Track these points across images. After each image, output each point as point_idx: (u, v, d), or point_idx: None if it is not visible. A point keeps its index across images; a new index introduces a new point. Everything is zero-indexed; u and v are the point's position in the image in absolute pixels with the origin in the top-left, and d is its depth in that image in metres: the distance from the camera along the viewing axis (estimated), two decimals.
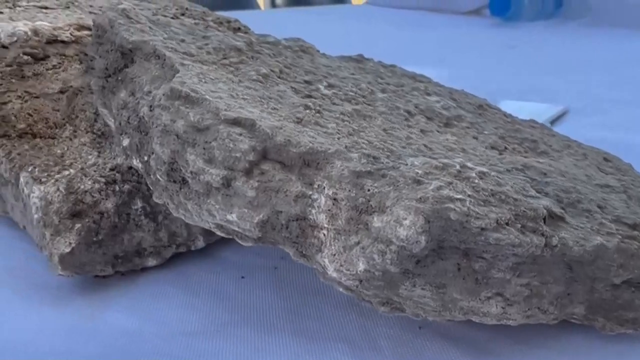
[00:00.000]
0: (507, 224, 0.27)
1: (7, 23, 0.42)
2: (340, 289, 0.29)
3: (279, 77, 0.38)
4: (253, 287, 0.37)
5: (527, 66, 1.02)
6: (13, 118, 0.40)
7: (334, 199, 0.28)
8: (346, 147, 0.30)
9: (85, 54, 0.42)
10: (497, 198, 0.28)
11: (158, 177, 0.32)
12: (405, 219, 0.26)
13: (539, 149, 0.40)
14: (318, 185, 0.29)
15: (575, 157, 0.40)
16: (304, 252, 0.29)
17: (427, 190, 0.27)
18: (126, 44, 0.37)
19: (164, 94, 0.32)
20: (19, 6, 0.52)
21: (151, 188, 0.34)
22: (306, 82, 0.39)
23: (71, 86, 0.42)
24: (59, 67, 0.41)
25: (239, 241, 0.31)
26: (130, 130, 0.34)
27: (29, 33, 0.40)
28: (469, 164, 0.30)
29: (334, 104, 0.37)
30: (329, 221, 0.28)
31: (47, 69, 0.41)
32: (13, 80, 0.40)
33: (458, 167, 0.29)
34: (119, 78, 0.37)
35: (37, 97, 0.41)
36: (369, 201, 0.27)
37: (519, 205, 0.28)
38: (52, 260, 0.35)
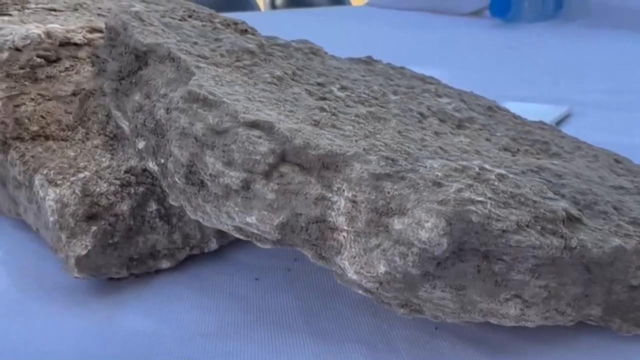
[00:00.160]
0: (527, 226, 0.27)
1: (20, 26, 0.42)
2: (360, 291, 0.29)
3: (292, 80, 0.38)
4: (267, 288, 0.37)
5: (529, 67, 1.02)
6: (26, 120, 0.40)
7: (354, 202, 0.28)
8: (364, 149, 0.30)
9: (97, 57, 0.42)
10: (517, 200, 0.28)
11: (176, 179, 0.32)
12: (427, 221, 0.26)
13: (550, 150, 0.40)
14: (337, 188, 0.29)
15: (586, 158, 0.40)
16: (322, 254, 0.30)
17: (448, 193, 0.27)
18: (140, 47, 0.37)
19: (181, 97, 0.32)
20: (28, 8, 0.52)
21: (166, 191, 0.34)
22: (319, 84, 0.39)
23: (83, 88, 0.42)
24: (72, 70, 0.41)
25: (257, 243, 0.31)
26: (147, 133, 0.34)
27: (42, 36, 0.40)
28: (488, 166, 0.30)
29: (347, 106, 0.37)
30: (348, 223, 0.28)
31: (59, 72, 0.41)
32: (26, 83, 0.40)
33: (477, 169, 0.29)
34: (133, 80, 0.37)
35: (49, 100, 0.41)
36: (388, 203, 0.28)
37: (538, 207, 0.28)
38: (68, 262, 0.35)
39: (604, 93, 0.84)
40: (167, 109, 0.33)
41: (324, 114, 0.34)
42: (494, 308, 0.29)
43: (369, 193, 0.28)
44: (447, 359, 0.31)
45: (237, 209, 0.30)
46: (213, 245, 0.40)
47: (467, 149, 0.35)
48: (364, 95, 0.39)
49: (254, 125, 0.30)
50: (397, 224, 0.27)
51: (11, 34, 0.40)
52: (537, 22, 1.42)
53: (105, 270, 0.36)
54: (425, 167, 0.29)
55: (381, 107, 0.38)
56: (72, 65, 0.41)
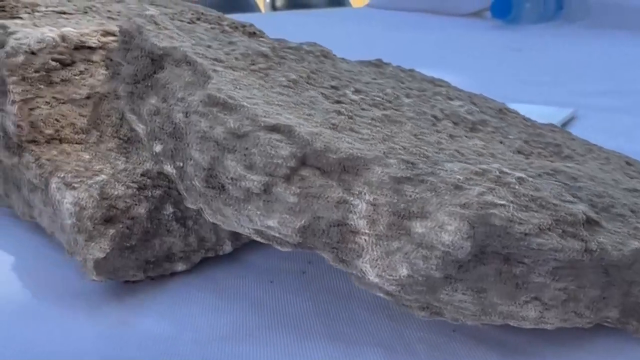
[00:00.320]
0: (548, 229, 0.27)
1: (33, 29, 0.42)
2: (380, 294, 0.30)
3: (307, 83, 0.39)
4: (283, 291, 0.38)
5: (531, 69, 1.02)
6: (41, 124, 0.40)
7: (374, 205, 0.28)
8: (384, 153, 0.30)
9: (111, 60, 0.42)
10: (537, 203, 0.28)
11: (195, 183, 0.32)
12: (450, 224, 0.26)
13: (563, 153, 0.40)
14: (358, 191, 0.29)
15: (599, 161, 0.40)
16: (343, 258, 0.30)
17: (470, 196, 0.27)
18: (156, 50, 0.37)
19: (200, 101, 0.32)
20: (38, 11, 0.52)
21: (184, 194, 0.34)
22: (333, 87, 0.40)
23: (97, 92, 0.42)
24: (86, 73, 0.42)
25: (277, 247, 0.31)
26: (164, 136, 0.34)
27: (57, 39, 0.40)
28: (507, 170, 0.30)
29: (363, 109, 0.37)
30: (369, 227, 0.28)
31: (74, 75, 0.41)
32: (41, 86, 0.40)
33: (497, 172, 0.29)
34: (149, 84, 0.38)
35: (64, 103, 0.41)
36: (410, 207, 0.28)
37: (558, 210, 0.28)
38: (86, 265, 0.35)
39: (606, 95, 0.84)
40: (186, 113, 0.33)
41: (342, 117, 0.34)
42: (514, 310, 0.29)
43: (390, 196, 0.28)
44: None
45: (258, 212, 0.30)
46: (228, 247, 0.40)
47: (482, 152, 0.36)
48: (377, 99, 0.39)
49: (274, 129, 0.30)
50: (418, 227, 0.27)
51: (26, 37, 0.40)
52: (538, 24, 1.43)
53: (122, 273, 0.36)
54: (445, 170, 0.29)
55: (395, 110, 0.38)
56: (86, 69, 0.42)
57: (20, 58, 0.39)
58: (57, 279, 0.39)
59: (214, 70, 0.35)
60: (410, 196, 0.28)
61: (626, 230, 0.30)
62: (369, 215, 0.28)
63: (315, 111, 0.34)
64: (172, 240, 0.37)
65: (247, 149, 0.30)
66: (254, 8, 1.96)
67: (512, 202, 0.27)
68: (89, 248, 0.35)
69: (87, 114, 0.41)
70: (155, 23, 0.40)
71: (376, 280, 0.28)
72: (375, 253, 0.28)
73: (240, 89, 0.34)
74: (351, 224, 0.29)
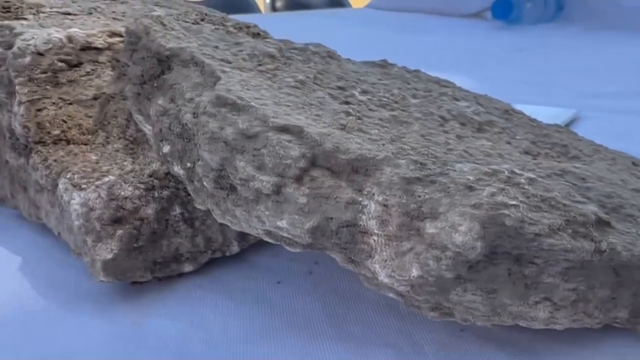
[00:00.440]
0: (559, 229, 0.27)
1: (40, 30, 0.42)
2: (390, 294, 0.30)
3: (314, 84, 0.39)
4: (291, 292, 0.38)
5: (532, 70, 1.02)
6: (48, 125, 0.40)
7: (385, 205, 0.28)
8: (393, 153, 0.30)
9: (118, 61, 0.42)
10: (548, 204, 0.28)
11: (204, 183, 0.32)
12: (461, 225, 0.26)
13: (570, 153, 0.40)
14: (368, 192, 0.29)
15: (606, 161, 0.40)
16: (352, 258, 0.30)
17: (481, 197, 0.27)
18: (163, 51, 0.37)
19: (209, 101, 0.32)
20: (43, 12, 0.52)
21: (192, 195, 0.34)
22: (340, 88, 0.39)
23: (104, 92, 0.42)
24: (92, 74, 0.42)
25: (287, 247, 0.31)
26: (172, 137, 0.34)
27: (64, 40, 0.40)
28: (517, 170, 0.30)
29: (370, 110, 0.37)
30: (379, 227, 0.28)
31: (80, 76, 0.41)
32: (48, 87, 0.40)
33: (507, 173, 0.29)
34: (156, 85, 0.38)
35: (71, 104, 0.41)
36: (420, 207, 0.28)
37: (568, 211, 0.28)
38: (94, 266, 0.35)
39: (609, 96, 0.84)
40: (194, 113, 0.33)
41: (350, 118, 0.34)
42: (524, 311, 0.29)
43: (400, 197, 0.28)
44: None
45: (268, 213, 0.30)
46: (234, 248, 0.40)
47: (490, 153, 0.36)
48: (384, 99, 0.39)
49: (284, 129, 0.30)
50: (430, 227, 0.27)
51: (33, 38, 0.40)
52: (538, 24, 1.43)
53: (130, 274, 0.36)
54: (455, 171, 0.29)
55: (403, 110, 0.38)
56: (92, 70, 0.42)
57: (27, 59, 0.39)
58: (64, 279, 0.39)
59: (222, 71, 0.35)
60: (421, 196, 0.28)
61: (636, 230, 0.30)
62: (379, 216, 0.28)
63: (323, 112, 0.34)
64: (179, 241, 0.37)
65: (257, 149, 0.30)
66: (254, 9, 1.96)
67: (523, 202, 0.27)
68: (97, 249, 0.35)
69: (94, 114, 0.41)
70: (162, 24, 0.40)
71: (387, 280, 0.28)
72: (385, 253, 0.28)
73: (248, 89, 0.34)
74: (361, 225, 0.29)
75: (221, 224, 0.39)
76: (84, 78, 0.41)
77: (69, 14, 0.52)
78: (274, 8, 2.14)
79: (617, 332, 0.33)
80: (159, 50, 0.37)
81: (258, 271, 0.40)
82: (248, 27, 0.56)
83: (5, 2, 0.51)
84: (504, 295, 0.28)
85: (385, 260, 0.28)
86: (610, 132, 0.67)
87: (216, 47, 0.40)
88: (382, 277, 0.29)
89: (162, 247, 0.37)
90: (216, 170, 0.31)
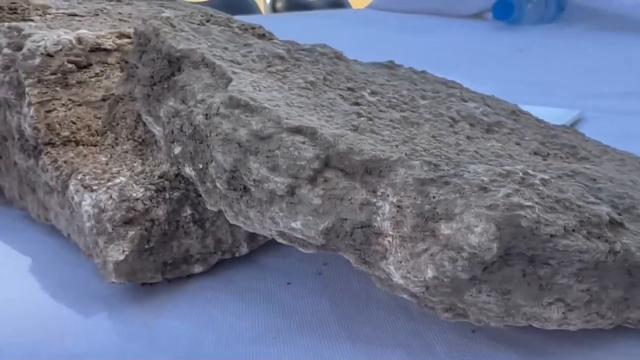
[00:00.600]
0: (573, 230, 0.27)
1: (49, 31, 0.42)
2: (404, 296, 0.30)
3: (324, 85, 0.39)
4: (301, 293, 0.38)
5: (534, 70, 1.03)
6: (57, 126, 0.40)
7: (399, 207, 0.28)
8: (406, 154, 0.30)
9: (126, 62, 0.42)
10: (562, 205, 0.28)
11: (217, 185, 0.32)
12: (477, 226, 0.26)
13: (579, 154, 0.40)
14: (382, 193, 0.29)
15: (614, 162, 0.41)
16: (366, 259, 0.30)
17: (497, 198, 0.27)
18: (173, 52, 0.37)
19: (222, 103, 0.32)
20: (49, 13, 0.52)
21: (204, 196, 0.34)
22: (349, 89, 0.40)
23: (113, 94, 0.42)
24: (102, 75, 0.42)
25: (300, 249, 0.31)
26: (184, 138, 0.34)
27: (74, 41, 0.40)
28: (530, 171, 0.30)
29: (380, 111, 0.37)
30: (393, 228, 0.28)
31: (90, 77, 0.41)
32: (57, 89, 0.40)
33: (521, 174, 0.29)
34: (166, 86, 0.38)
35: (80, 105, 0.41)
36: (435, 208, 0.28)
37: (582, 211, 0.28)
38: (106, 267, 0.35)
39: (609, 96, 0.84)
40: (207, 115, 0.33)
41: (362, 119, 0.34)
42: (538, 312, 0.29)
43: (414, 198, 0.28)
44: None
45: (281, 214, 0.30)
46: (244, 249, 0.40)
47: (500, 154, 0.36)
48: (394, 100, 0.39)
49: (297, 130, 0.30)
50: (444, 228, 0.27)
51: (43, 39, 0.40)
52: (539, 25, 1.43)
53: (141, 275, 0.36)
54: (469, 172, 0.29)
55: (412, 111, 0.39)
56: (102, 71, 0.42)
57: (37, 60, 0.40)
58: (74, 280, 0.39)
59: (233, 72, 0.35)
60: (435, 198, 0.28)
61: None
62: (393, 217, 0.28)
63: (335, 113, 0.34)
64: (189, 242, 0.37)
65: (270, 150, 0.30)
66: (254, 10, 1.96)
67: (538, 203, 0.27)
68: (108, 250, 0.35)
69: (103, 116, 0.42)
70: (172, 25, 0.40)
71: (401, 281, 0.28)
72: (400, 255, 0.28)
73: (260, 90, 0.34)
74: (375, 226, 0.29)
75: (231, 225, 0.39)
76: (93, 79, 0.41)
77: (76, 15, 0.52)
78: (274, 9, 2.14)
79: (629, 332, 0.33)
80: (169, 52, 0.37)
81: (267, 272, 0.40)
82: (253, 28, 0.56)
83: (12, 3, 0.51)
84: (518, 296, 0.28)
85: (400, 262, 0.28)
86: (613, 133, 0.67)
87: (225, 48, 0.40)
88: (397, 279, 0.29)
89: (173, 248, 0.37)
90: (229, 171, 0.31)
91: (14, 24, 0.45)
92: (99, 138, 0.41)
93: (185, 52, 0.37)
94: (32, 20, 0.50)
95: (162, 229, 0.36)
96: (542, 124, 0.46)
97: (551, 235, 0.27)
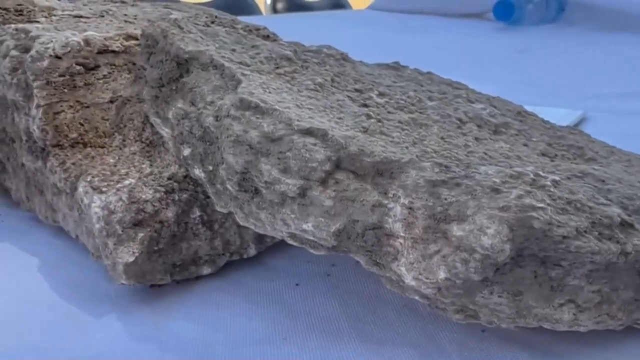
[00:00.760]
0: (585, 232, 0.27)
1: (56, 33, 0.42)
2: (415, 297, 0.30)
3: (332, 86, 0.39)
4: (310, 294, 0.38)
5: (535, 70, 1.03)
6: (65, 128, 0.40)
7: (410, 208, 0.29)
8: (417, 156, 0.30)
9: (134, 64, 0.42)
10: (573, 206, 0.28)
11: (228, 186, 0.32)
12: (489, 227, 0.26)
13: (586, 155, 0.40)
14: (393, 195, 0.29)
15: (621, 163, 0.41)
16: (377, 261, 0.30)
17: (509, 199, 0.27)
18: (182, 54, 0.37)
19: (232, 104, 0.32)
20: (55, 15, 0.52)
21: (213, 197, 0.34)
22: (357, 90, 0.40)
23: (120, 95, 0.42)
24: (109, 77, 0.42)
25: (311, 250, 0.31)
26: (194, 140, 0.34)
27: (82, 43, 0.40)
28: (541, 173, 0.30)
29: (389, 112, 0.37)
30: (405, 230, 0.29)
31: (97, 79, 0.41)
32: (65, 90, 0.40)
33: (532, 175, 0.29)
34: (174, 88, 0.38)
35: (87, 107, 0.41)
36: (446, 210, 0.28)
37: (594, 213, 0.28)
38: (116, 269, 0.35)
39: (611, 97, 0.84)
40: (217, 117, 0.33)
41: (371, 120, 0.34)
42: (549, 313, 0.29)
43: (426, 199, 0.28)
44: None
45: (293, 215, 0.30)
46: (252, 251, 0.40)
47: (509, 155, 0.36)
48: (402, 102, 0.40)
49: (308, 132, 0.30)
50: (456, 230, 0.27)
51: (51, 41, 0.40)
52: (540, 25, 1.43)
53: (150, 277, 0.36)
54: (480, 173, 0.29)
55: (420, 113, 0.39)
56: (109, 73, 0.42)
57: (45, 62, 0.40)
58: (82, 281, 0.39)
59: (243, 74, 0.35)
60: (447, 199, 0.28)
61: None
62: (405, 219, 0.29)
63: (344, 114, 0.34)
64: (198, 243, 0.37)
65: (281, 152, 0.30)
66: (255, 10, 1.96)
67: (549, 205, 0.27)
68: (118, 252, 0.35)
69: (110, 117, 0.42)
70: (179, 27, 0.40)
71: (413, 283, 0.28)
72: (411, 256, 0.28)
73: (270, 92, 0.34)
74: (387, 227, 0.29)
75: (239, 227, 0.39)
76: (100, 81, 0.41)
77: (81, 17, 0.52)
78: (274, 10, 2.14)
79: (638, 333, 0.33)
80: (177, 54, 0.37)
81: (276, 273, 0.40)
82: (258, 29, 0.56)
83: (18, 5, 0.51)
84: (529, 297, 0.28)
85: (412, 263, 0.28)
86: (613, 133, 0.67)
87: (233, 50, 0.40)
88: (408, 280, 0.29)
89: (182, 249, 0.37)
90: (240, 173, 0.31)
91: (20, 25, 0.45)
92: (106, 140, 0.41)
93: (193, 54, 0.37)
94: (38, 22, 0.50)
95: (171, 231, 0.36)
96: (548, 125, 0.46)
97: (563, 237, 0.27)
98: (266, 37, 0.55)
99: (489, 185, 0.28)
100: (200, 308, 0.36)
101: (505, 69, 1.04)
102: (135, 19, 0.53)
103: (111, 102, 0.42)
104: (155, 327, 0.34)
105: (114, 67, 0.42)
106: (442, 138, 0.35)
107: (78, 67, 0.40)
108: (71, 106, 0.40)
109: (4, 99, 0.43)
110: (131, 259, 0.34)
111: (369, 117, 0.34)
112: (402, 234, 0.29)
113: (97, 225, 0.35)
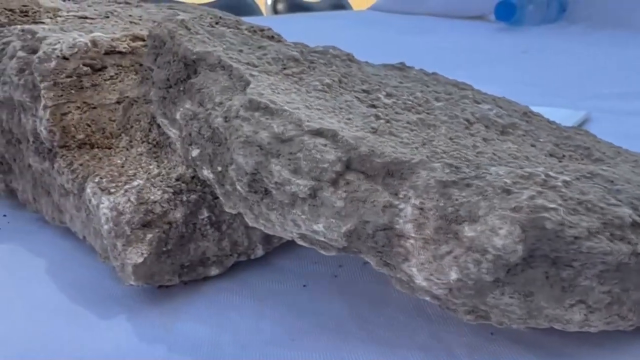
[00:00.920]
0: (597, 232, 0.27)
1: (63, 34, 0.42)
2: (426, 298, 0.30)
3: (339, 87, 0.39)
4: (317, 295, 0.38)
5: (537, 71, 1.03)
6: (73, 129, 0.40)
7: (421, 209, 0.29)
8: (427, 157, 0.30)
9: (141, 65, 0.42)
10: (584, 207, 0.28)
11: (237, 187, 0.32)
12: (501, 228, 0.26)
13: (593, 155, 0.40)
14: (404, 195, 0.29)
15: (629, 164, 0.41)
16: (387, 262, 0.30)
17: (521, 200, 0.27)
18: (190, 55, 0.37)
19: (241, 105, 0.32)
20: (60, 16, 0.52)
21: (222, 198, 0.34)
22: (365, 91, 0.40)
23: (127, 96, 0.42)
24: (116, 78, 0.42)
25: (321, 251, 0.31)
26: (202, 141, 0.34)
27: (89, 44, 0.40)
28: (552, 173, 0.30)
29: (397, 113, 0.37)
30: (416, 230, 0.29)
31: (104, 80, 0.41)
32: (72, 91, 0.40)
33: (543, 176, 0.29)
34: (182, 89, 0.38)
35: (94, 108, 0.41)
36: (457, 210, 0.28)
37: (605, 213, 0.28)
38: (125, 270, 0.35)
39: (612, 97, 0.84)
40: (226, 118, 0.33)
41: (380, 121, 0.34)
42: (559, 314, 0.29)
43: (437, 200, 0.28)
44: None
45: (303, 216, 0.30)
46: (259, 251, 0.40)
47: (517, 155, 0.36)
48: (409, 102, 0.40)
49: (318, 133, 0.30)
50: (468, 231, 0.27)
51: (59, 42, 0.40)
52: (541, 26, 1.44)
53: (159, 278, 0.36)
54: (491, 174, 0.29)
55: (428, 113, 0.39)
56: (116, 74, 0.42)
57: (53, 63, 0.39)
58: (90, 282, 0.39)
59: (251, 75, 0.35)
60: (458, 200, 0.28)
61: None
62: (416, 219, 0.29)
63: (353, 115, 0.34)
64: (206, 244, 0.37)
65: (292, 153, 0.30)
66: (255, 11, 1.96)
67: (561, 205, 0.27)
68: (127, 253, 0.35)
69: (117, 118, 0.42)
70: (187, 28, 0.40)
71: (424, 284, 0.28)
72: (422, 257, 0.28)
73: (279, 93, 0.34)
74: (397, 228, 0.29)
75: (247, 228, 0.39)
76: (107, 82, 0.41)
77: (87, 17, 0.52)
78: (275, 10, 2.14)
79: None
80: (185, 54, 0.37)
81: (283, 274, 0.40)
82: (262, 30, 0.56)
83: (23, 6, 0.51)
84: (540, 298, 0.28)
85: (423, 264, 0.28)
86: (616, 133, 0.67)
87: (240, 50, 0.40)
88: (419, 281, 0.29)
89: (190, 250, 0.37)
90: (250, 174, 0.31)
91: (26, 26, 0.45)
92: (113, 141, 0.41)
93: (201, 55, 0.37)
94: (43, 23, 0.50)
95: (179, 232, 0.36)
96: (554, 126, 0.46)
97: (575, 238, 0.27)
98: (271, 38, 0.55)
99: (500, 186, 0.28)
100: (209, 309, 0.36)
101: (506, 69, 1.04)
102: (140, 19, 0.53)
103: (118, 103, 0.42)
104: (164, 328, 0.34)
105: (120, 68, 0.42)
106: (450, 139, 0.35)
107: (85, 68, 0.40)
108: (78, 107, 0.40)
109: (10, 100, 0.43)
110: (140, 260, 0.34)
111: (377, 117, 0.34)
112: (413, 235, 0.29)
113: (106, 226, 0.35)
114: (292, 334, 0.34)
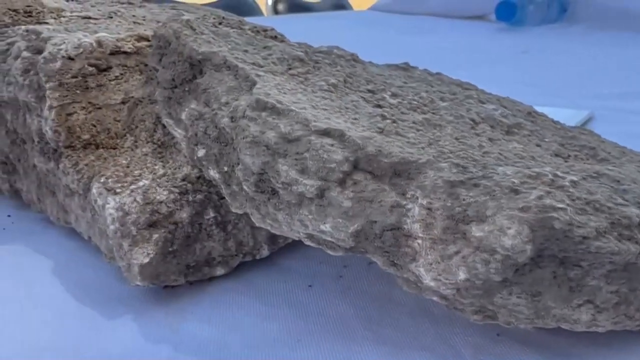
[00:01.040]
0: (605, 232, 0.27)
1: (68, 34, 0.42)
2: (434, 298, 0.30)
3: (345, 87, 0.39)
4: (323, 295, 0.38)
5: (539, 71, 1.03)
6: (78, 129, 0.40)
7: (429, 209, 0.29)
8: (434, 156, 0.30)
9: (146, 65, 0.42)
10: (592, 207, 0.28)
11: (244, 187, 0.32)
12: (510, 228, 0.26)
13: (598, 155, 0.40)
14: (411, 195, 0.29)
15: (634, 163, 0.41)
16: (395, 262, 0.30)
17: (529, 200, 0.27)
18: (195, 55, 0.37)
19: (248, 105, 0.32)
20: (63, 16, 0.52)
21: (228, 198, 0.34)
22: (370, 91, 0.40)
23: (132, 97, 0.42)
24: (121, 78, 0.42)
25: (328, 251, 0.31)
26: (208, 141, 0.34)
27: (94, 44, 0.40)
28: (559, 173, 0.30)
29: (402, 113, 0.37)
30: (423, 230, 0.29)
31: (109, 80, 0.41)
32: (78, 92, 0.40)
33: (550, 176, 0.29)
34: (187, 89, 0.38)
35: (99, 108, 0.41)
36: (465, 210, 0.28)
37: (613, 213, 0.28)
38: (131, 270, 0.35)
39: (613, 97, 0.84)
40: (232, 118, 0.33)
41: (387, 121, 0.34)
42: (567, 314, 0.29)
43: (444, 200, 0.28)
44: None
45: (311, 216, 0.30)
46: (264, 252, 0.40)
47: (523, 155, 0.36)
48: (414, 102, 0.40)
49: (325, 133, 0.30)
50: (476, 230, 0.27)
51: (64, 43, 0.40)
52: (542, 26, 1.44)
53: (164, 278, 0.36)
54: (498, 174, 0.29)
55: (434, 114, 0.39)
56: (121, 74, 0.42)
57: (58, 64, 0.39)
58: (95, 282, 0.39)
59: (257, 75, 0.35)
60: (465, 200, 0.28)
61: None
62: (423, 219, 0.29)
63: (359, 115, 0.34)
64: (212, 244, 0.37)
65: (299, 153, 0.30)
66: (256, 12, 1.96)
67: (569, 205, 0.27)
68: (133, 253, 0.34)
69: (122, 118, 0.41)
70: (192, 28, 0.40)
71: (432, 283, 0.28)
72: (430, 257, 0.28)
73: (285, 93, 0.34)
74: (405, 228, 0.29)
75: (252, 228, 0.39)
76: (112, 82, 0.41)
77: (90, 18, 0.52)
78: (275, 11, 2.14)
79: None
80: (190, 55, 0.37)
81: (288, 274, 0.40)
82: (265, 30, 0.56)
83: (27, 6, 0.51)
84: (548, 298, 0.28)
85: (431, 264, 0.28)
86: (617, 133, 0.67)
87: (246, 51, 0.40)
88: (427, 281, 0.29)
89: (196, 250, 0.37)
90: (257, 174, 0.31)
91: (30, 27, 0.45)
92: (118, 141, 0.41)
93: (207, 55, 0.37)
94: (47, 23, 0.50)
95: (185, 232, 0.36)
96: (558, 126, 0.46)
97: (583, 237, 0.27)
98: (274, 38, 0.55)
99: (508, 186, 0.28)
100: (214, 309, 0.36)
101: (507, 69, 1.04)
102: (144, 20, 0.53)
103: (123, 103, 0.41)
104: (170, 328, 0.34)
105: (125, 68, 0.42)
106: (456, 139, 0.35)
107: (90, 69, 0.40)
108: (83, 107, 0.40)
109: (15, 100, 0.43)
110: (146, 260, 0.34)
111: (383, 117, 0.34)
112: (420, 235, 0.29)
113: (112, 227, 0.35)
114: (297, 334, 0.34)
